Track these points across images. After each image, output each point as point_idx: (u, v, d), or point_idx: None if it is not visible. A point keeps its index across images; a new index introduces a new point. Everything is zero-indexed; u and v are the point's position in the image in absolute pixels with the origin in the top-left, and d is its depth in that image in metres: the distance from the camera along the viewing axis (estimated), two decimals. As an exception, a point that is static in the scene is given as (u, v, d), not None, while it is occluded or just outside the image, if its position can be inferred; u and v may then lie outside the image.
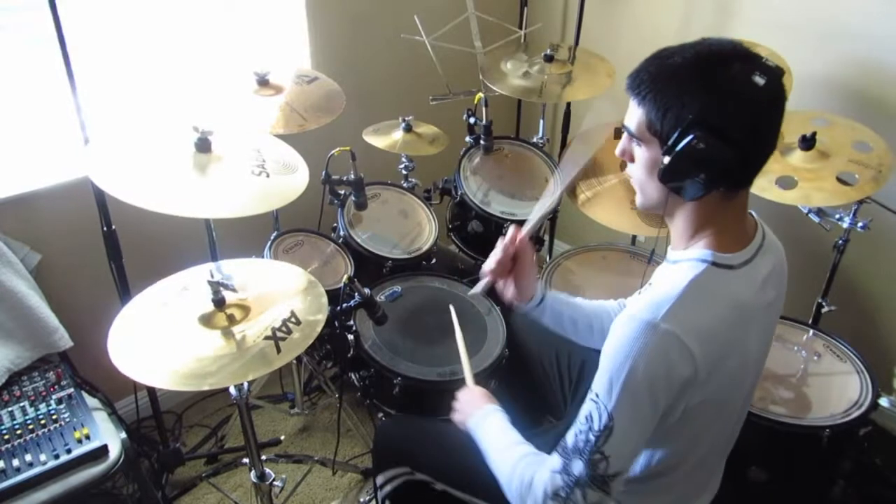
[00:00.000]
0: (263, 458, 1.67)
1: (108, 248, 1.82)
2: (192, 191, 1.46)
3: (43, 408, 1.55)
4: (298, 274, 1.46)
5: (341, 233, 2.05)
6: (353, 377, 1.86)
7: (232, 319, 1.30)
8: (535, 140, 2.41)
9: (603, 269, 2.15)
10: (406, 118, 2.24)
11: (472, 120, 2.21)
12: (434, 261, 2.15)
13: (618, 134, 1.11)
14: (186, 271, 1.43)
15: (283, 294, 1.38)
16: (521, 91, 2.28)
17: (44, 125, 1.89)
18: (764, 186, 1.79)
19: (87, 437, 1.47)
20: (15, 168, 1.88)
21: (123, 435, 1.54)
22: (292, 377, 2.27)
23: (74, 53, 1.59)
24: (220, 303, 1.30)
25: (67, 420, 1.52)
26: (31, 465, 1.41)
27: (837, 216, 1.87)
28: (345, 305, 1.65)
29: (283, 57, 2.36)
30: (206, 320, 1.29)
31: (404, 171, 2.30)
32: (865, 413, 1.63)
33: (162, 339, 1.25)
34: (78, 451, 1.44)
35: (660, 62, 0.99)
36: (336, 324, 1.67)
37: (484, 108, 2.15)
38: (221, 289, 1.30)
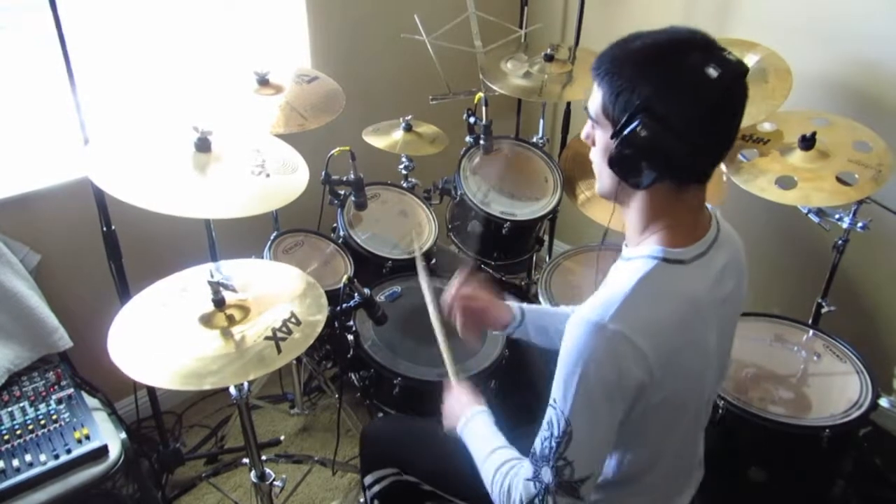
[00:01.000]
0: (263, 458, 1.67)
1: (107, 249, 1.82)
2: (192, 191, 1.45)
3: (43, 408, 1.55)
4: (298, 275, 1.46)
5: (341, 233, 2.04)
6: (353, 377, 1.86)
7: (232, 320, 1.29)
8: (535, 140, 2.41)
9: (603, 270, 2.14)
10: (406, 118, 2.24)
11: (472, 120, 2.21)
12: (434, 261, 2.15)
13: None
14: (186, 271, 1.43)
15: (282, 295, 1.38)
16: (521, 91, 2.28)
17: (44, 125, 1.89)
18: (764, 186, 1.80)
19: (87, 438, 1.47)
20: (15, 168, 1.88)
21: (123, 435, 1.54)
22: (292, 377, 2.27)
23: (74, 53, 1.59)
24: (220, 303, 1.30)
25: (67, 420, 1.52)
26: (31, 465, 1.41)
27: (837, 216, 1.86)
28: (345, 306, 1.64)
29: (283, 57, 2.36)
30: (207, 320, 1.29)
31: (404, 171, 2.30)
32: (865, 413, 1.62)
33: (162, 339, 1.25)
34: (78, 452, 1.44)
35: (622, 46, 0.98)
36: (336, 324, 1.67)
37: (484, 108, 2.15)
38: (221, 289, 1.30)
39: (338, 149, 1.90)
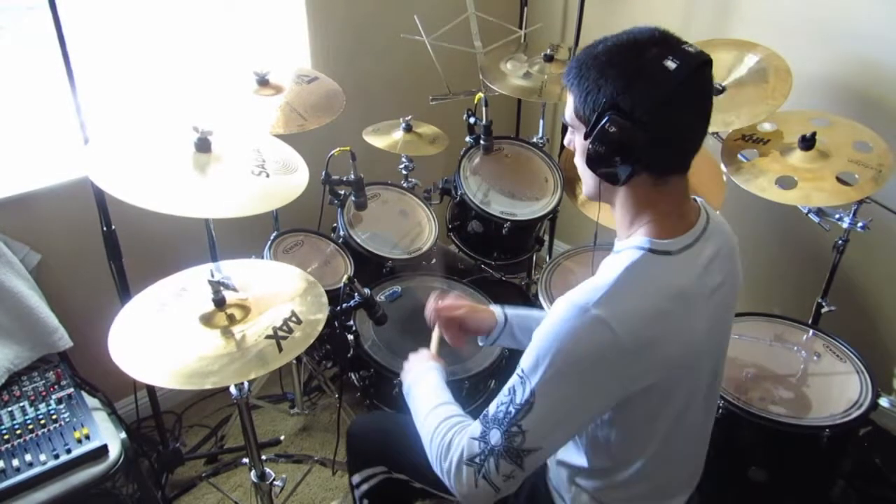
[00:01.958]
0: (263, 458, 1.67)
1: (107, 248, 1.82)
2: (192, 191, 1.45)
3: (43, 408, 1.55)
4: (298, 274, 1.46)
5: (341, 233, 2.05)
6: (353, 377, 1.86)
7: (232, 319, 1.30)
8: (535, 140, 2.41)
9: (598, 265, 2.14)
10: (406, 118, 2.24)
11: (472, 120, 2.21)
12: (434, 261, 2.15)
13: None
14: (186, 271, 1.43)
15: (283, 294, 1.38)
16: (521, 91, 2.28)
17: (44, 125, 1.89)
18: (764, 186, 1.80)
19: (87, 437, 1.47)
20: (15, 168, 1.88)
21: (123, 435, 1.54)
22: (292, 377, 2.27)
23: (74, 53, 1.59)
24: (220, 302, 1.30)
25: (67, 420, 1.52)
26: (30, 465, 1.41)
27: (837, 216, 1.87)
28: (345, 305, 1.64)
29: (283, 57, 2.36)
30: (207, 320, 1.29)
31: (404, 171, 2.30)
32: (865, 413, 1.62)
33: (163, 339, 1.25)
34: (78, 451, 1.44)
35: (587, 51, 1.03)
36: (336, 324, 1.67)
37: (484, 108, 2.15)
38: (222, 288, 1.30)
39: (338, 149, 1.90)
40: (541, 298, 1.98)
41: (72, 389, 1.61)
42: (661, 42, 0.99)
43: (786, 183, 1.80)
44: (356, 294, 1.63)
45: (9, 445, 1.45)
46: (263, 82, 1.98)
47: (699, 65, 0.97)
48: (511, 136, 2.40)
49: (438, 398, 1.24)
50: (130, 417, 2.21)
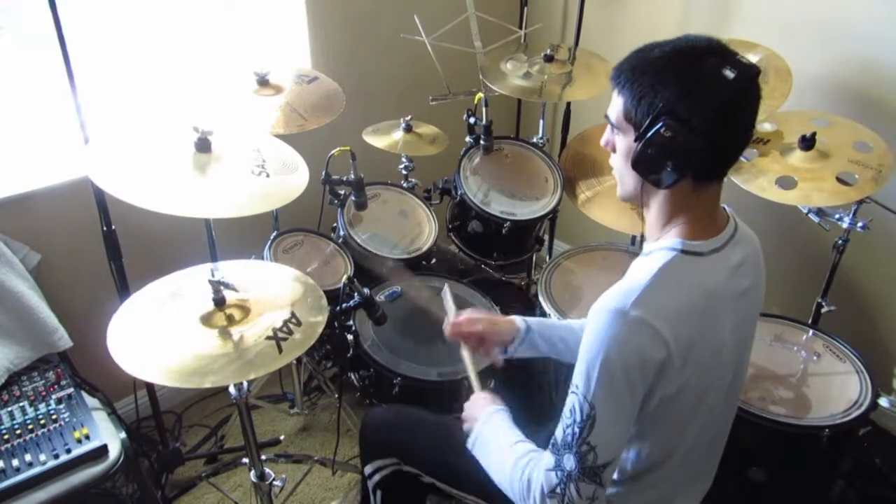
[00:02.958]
0: (263, 458, 1.67)
1: (107, 248, 1.82)
2: (192, 191, 1.46)
3: (43, 408, 1.55)
4: (298, 276, 1.46)
5: (341, 233, 2.04)
6: (353, 377, 1.86)
7: (232, 319, 1.30)
8: (535, 140, 2.41)
9: (603, 269, 2.15)
10: (406, 118, 2.24)
11: (472, 120, 2.21)
12: (434, 261, 2.15)
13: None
14: (185, 271, 1.43)
15: (283, 295, 1.38)
16: (521, 91, 2.28)
17: (44, 125, 1.89)
18: (764, 186, 1.79)
19: (87, 437, 1.47)
20: (15, 168, 1.88)
21: (123, 435, 1.54)
22: (292, 377, 2.27)
23: (74, 53, 1.59)
24: (220, 302, 1.30)
25: (67, 420, 1.52)
26: (30, 465, 1.41)
27: (837, 216, 1.87)
28: (344, 305, 1.65)
29: (283, 57, 2.36)
30: (207, 320, 1.29)
31: (404, 171, 2.30)
32: (865, 413, 1.62)
33: (163, 337, 1.25)
34: (78, 451, 1.44)
35: (641, 55, 1.04)
36: (336, 324, 1.67)
37: (484, 108, 2.15)
38: (222, 288, 1.30)
39: (338, 149, 1.90)
40: (541, 298, 1.98)
41: (72, 389, 1.61)
42: (719, 52, 1.00)
43: (786, 183, 1.80)
44: (356, 294, 1.63)
45: (9, 445, 1.45)
46: (263, 82, 1.98)
47: (752, 76, 1.00)
48: (511, 136, 2.40)
49: (510, 438, 1.20)
50: (130, 417, 2.21)
